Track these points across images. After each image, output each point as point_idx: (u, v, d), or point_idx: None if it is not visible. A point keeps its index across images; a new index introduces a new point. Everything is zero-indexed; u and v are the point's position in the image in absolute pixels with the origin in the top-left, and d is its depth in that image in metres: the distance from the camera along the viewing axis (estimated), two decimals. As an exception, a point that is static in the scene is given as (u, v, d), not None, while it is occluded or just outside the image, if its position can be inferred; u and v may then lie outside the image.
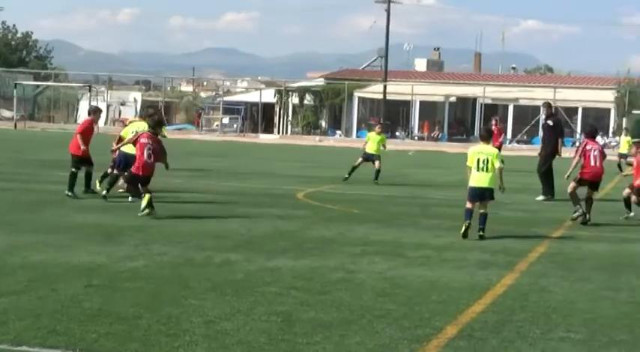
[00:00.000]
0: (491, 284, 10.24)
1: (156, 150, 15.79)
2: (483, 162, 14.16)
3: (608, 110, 65.90)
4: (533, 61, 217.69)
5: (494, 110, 67.00)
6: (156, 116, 17.25)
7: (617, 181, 28.18)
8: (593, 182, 17.06)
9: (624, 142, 36.49)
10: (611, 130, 63.05)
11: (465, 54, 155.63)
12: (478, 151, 14.36)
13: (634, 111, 63.25)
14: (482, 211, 14.24)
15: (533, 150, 57.69)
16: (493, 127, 36.57)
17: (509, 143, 61.52)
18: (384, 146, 25.39)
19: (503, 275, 10.83)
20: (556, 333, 7.98)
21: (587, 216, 16.60)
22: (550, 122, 22.66)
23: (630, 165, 18.90)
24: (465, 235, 13.84)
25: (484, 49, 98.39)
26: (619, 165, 34.56)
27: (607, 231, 15.96)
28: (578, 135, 65.78)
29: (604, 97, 66.40)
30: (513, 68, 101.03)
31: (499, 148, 34.69)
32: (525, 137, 65.72)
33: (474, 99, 68.55)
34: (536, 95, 67.03)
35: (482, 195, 14.23)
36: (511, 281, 10.54)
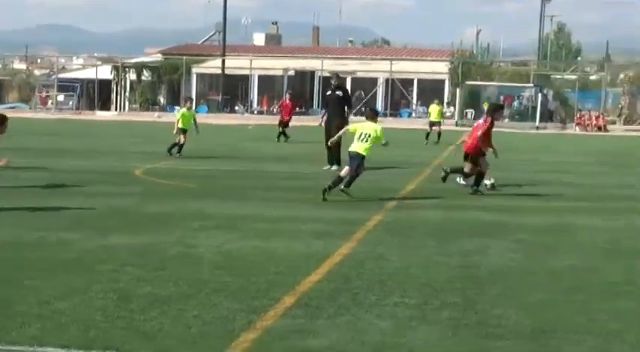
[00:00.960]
0: (328, 253, 10.34)
1: None
2: (365, 135, 15.75)
3: (443, 81, 67.49)
4: (370, 34, 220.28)
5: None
6: None
7: (449, 150, 29.00)
8: (466, 154, 17.64)
9: (435, 111, 37.52)
10: (445, 100, 64.48)
11: (303, 28, 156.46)
12: (362, 126, 16.04)
13: (467, 82, 65.03)
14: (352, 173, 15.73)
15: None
16: (287, 101, 37.05)
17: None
18: (194, 121, 25.59)
19: (340, 245, 10.95)
20: (391, 299, 8.14)
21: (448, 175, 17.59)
22: (340, 93, 22.18)
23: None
24: (324, 198, 15.14)
25: (322, 22, 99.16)
26: (427, 134, 35.77)
27: (440, 198, 16.35)
28: (414, 106, 67.25)
29: (439, 69, 68.03)
30: (351, 41, 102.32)
31: (288, 121, 35.35)
32: (363, 109, 66.56)
33: (313, 73, 69.05)
34: (373, 68, 68.11)
35: (354, 158, 15.71)
36: (347, 250, 10.68)
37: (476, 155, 17.25)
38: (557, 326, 7.34)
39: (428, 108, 39.90)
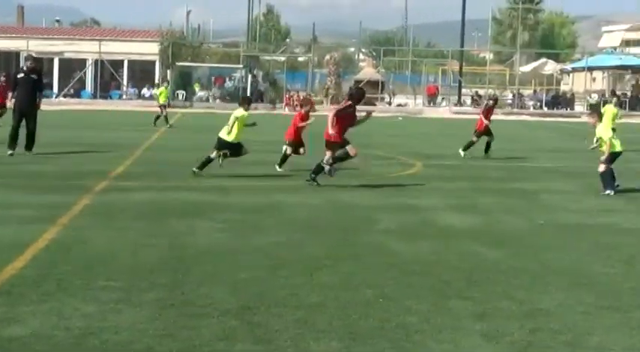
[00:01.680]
0: (33, 239, 10.08)
1: None
2: (232, 120, 17.05)
3: (154, 62, 67.07)
4: (79, 14, 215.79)
5: (39, 63, 65.56)
6: None
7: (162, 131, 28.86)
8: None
9: (164, 93, 37.55)
10: (156, 82, 64.26)
11: (7, 6, 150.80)
12: (235, 114, 17.26)
13: (178, 63, 65.05)
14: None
15: (81, 104, 57.62)
16: (3, 84, 35.47)
17: (56, 97, 60.74)
18: None
19: (46, 230, 10.71)
20: (97, 283, 8.06)
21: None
22: (34, 76, 21.24)
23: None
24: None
25: (27, 1, 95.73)
26: (157, 117, 35.74)
27: (150, 180, 16.33)
28: (125, 88, 66.51)
29: (149, 50, 67.46)
30: (58, 21, 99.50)
31: (4, 104, 33.74)
32: (72, 91, 65.20)
33: (18, 53, 66.70)
34: (82, 48, 66.67)
35: (223, 144, 17.12)
36: (53, 235, 10.46)
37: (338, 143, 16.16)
38: (262, 302, 7.54)
39: (157, 90, 39.55)
